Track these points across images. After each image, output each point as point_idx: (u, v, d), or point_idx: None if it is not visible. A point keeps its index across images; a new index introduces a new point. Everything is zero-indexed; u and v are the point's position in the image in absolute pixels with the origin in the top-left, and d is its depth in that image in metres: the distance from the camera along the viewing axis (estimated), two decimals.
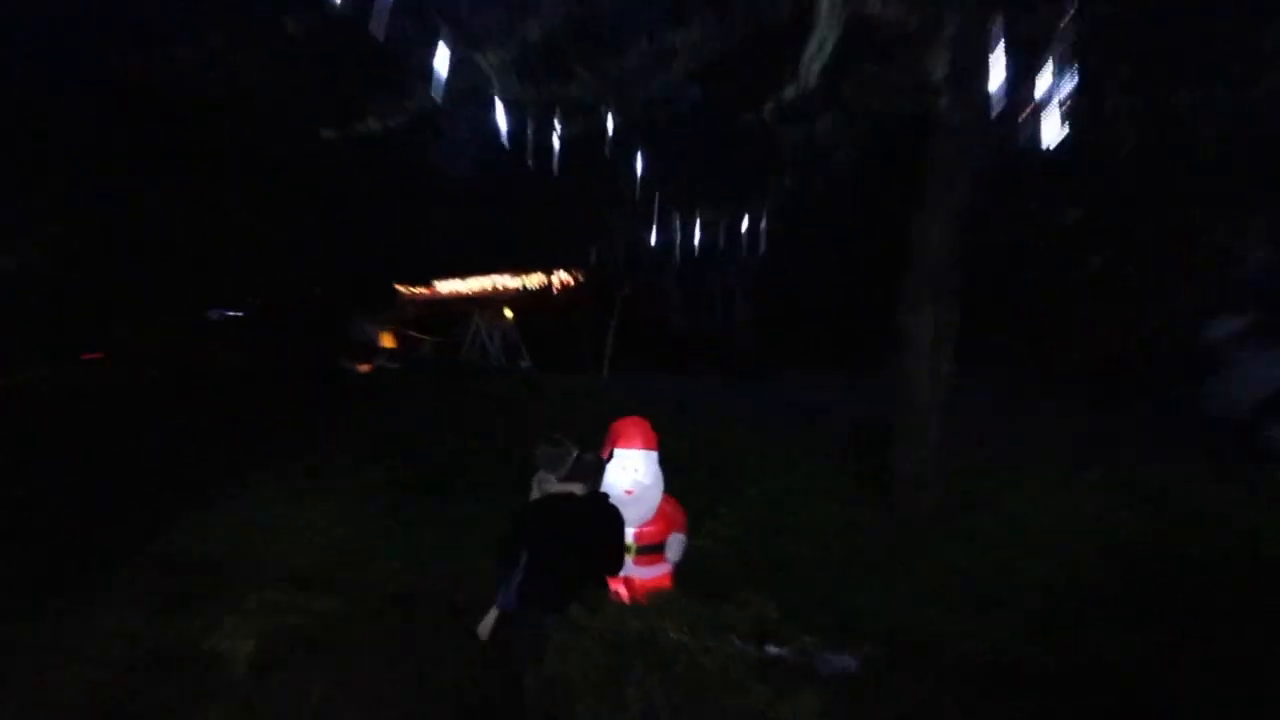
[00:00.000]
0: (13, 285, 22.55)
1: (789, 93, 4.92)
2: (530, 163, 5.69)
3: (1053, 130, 5.37)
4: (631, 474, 5.73)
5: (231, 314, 26.90)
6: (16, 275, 23.07)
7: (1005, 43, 4.87)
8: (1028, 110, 5.32)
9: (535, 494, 5.55)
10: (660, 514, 5.84)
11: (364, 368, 23.09)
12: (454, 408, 13.33)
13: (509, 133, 5.48)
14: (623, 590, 5.57)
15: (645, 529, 5.77)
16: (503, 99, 5.36)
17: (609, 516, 5.30)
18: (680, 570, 5.91)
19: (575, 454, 5.46)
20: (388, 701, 5.90)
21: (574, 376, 14.67)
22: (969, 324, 7.75)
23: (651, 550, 5.82)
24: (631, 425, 5.94)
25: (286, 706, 5.78)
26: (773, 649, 4.99)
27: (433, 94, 5.29)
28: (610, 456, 5.81)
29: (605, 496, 5.42)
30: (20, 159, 21.39)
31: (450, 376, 17.65)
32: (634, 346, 20.16)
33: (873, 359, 9.33)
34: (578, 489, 5.35)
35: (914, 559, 6.99)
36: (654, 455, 5.87)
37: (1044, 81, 5.29)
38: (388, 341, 27.50)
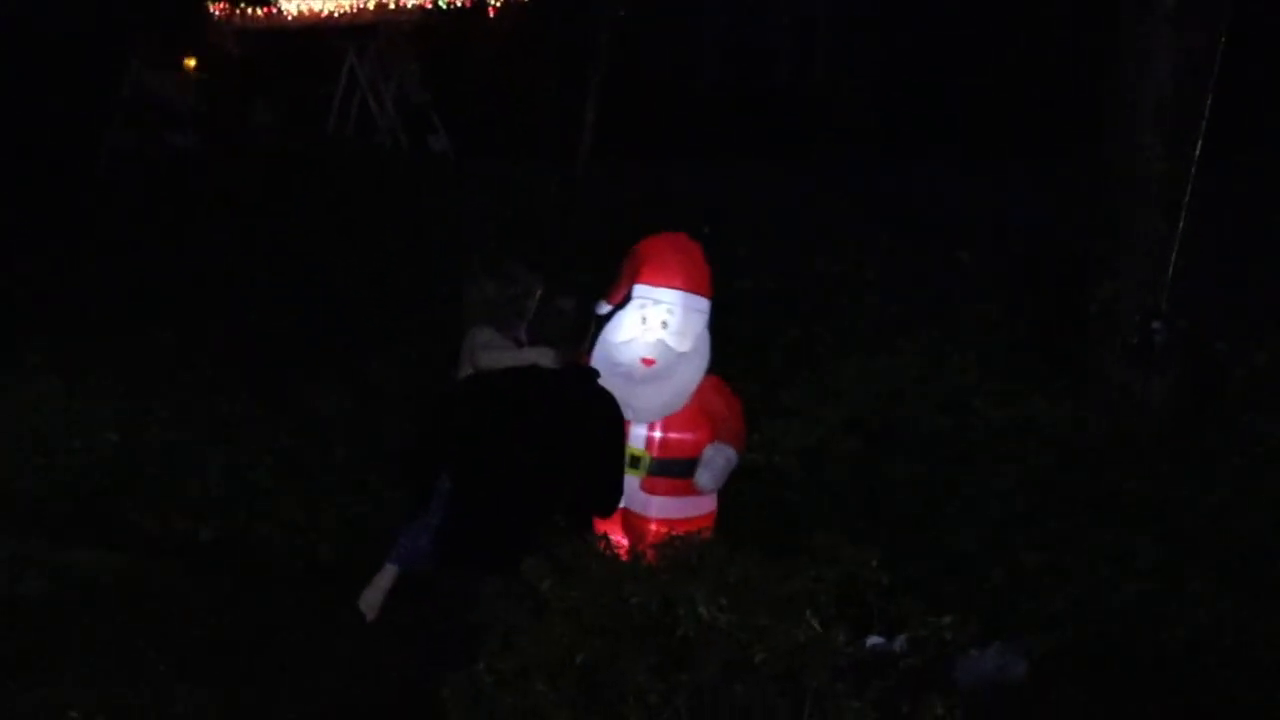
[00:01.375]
0: None
1: None
2: None
3: None
4: (657, 330, 5.71)
5: None
6: None
7: None
8: None
9: (467, 369, 5.60)
10: (698, 407, 5.84)
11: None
12: (311, 217, 13.28)
13: None
14: (622, 538, 5.60)
15: (672, 432, 5.82)
16: None
17: (600, 408, 5.35)
18: (722, 506, 5.96)
19: (539, 297, 5.49)
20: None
21: (529, 165, 14.58)
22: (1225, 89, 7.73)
23: (678, 469, 5.85)
24: (667, 250, 5.89)
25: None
26: (877, 639, 5.09)
27: None
28: (626, 300, 5.77)
29: (593, 375, 5.45)
30: None
31: (304, 162, 17.56)
32: (634, 119, 20.03)
33: (1055, 147, 9.27)
34: (545, 358, 5.37)
35: (1129, 495, 7.05)
36: (704, 306, 5.84)
37: None
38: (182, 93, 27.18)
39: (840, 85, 26.51)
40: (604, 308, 5.81)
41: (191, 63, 29.00)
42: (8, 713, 6.06)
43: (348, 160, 17.20)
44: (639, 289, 5.74)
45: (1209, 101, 7.57)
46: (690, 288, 5.76)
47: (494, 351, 5.55)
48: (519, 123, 20.33)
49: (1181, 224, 7.52)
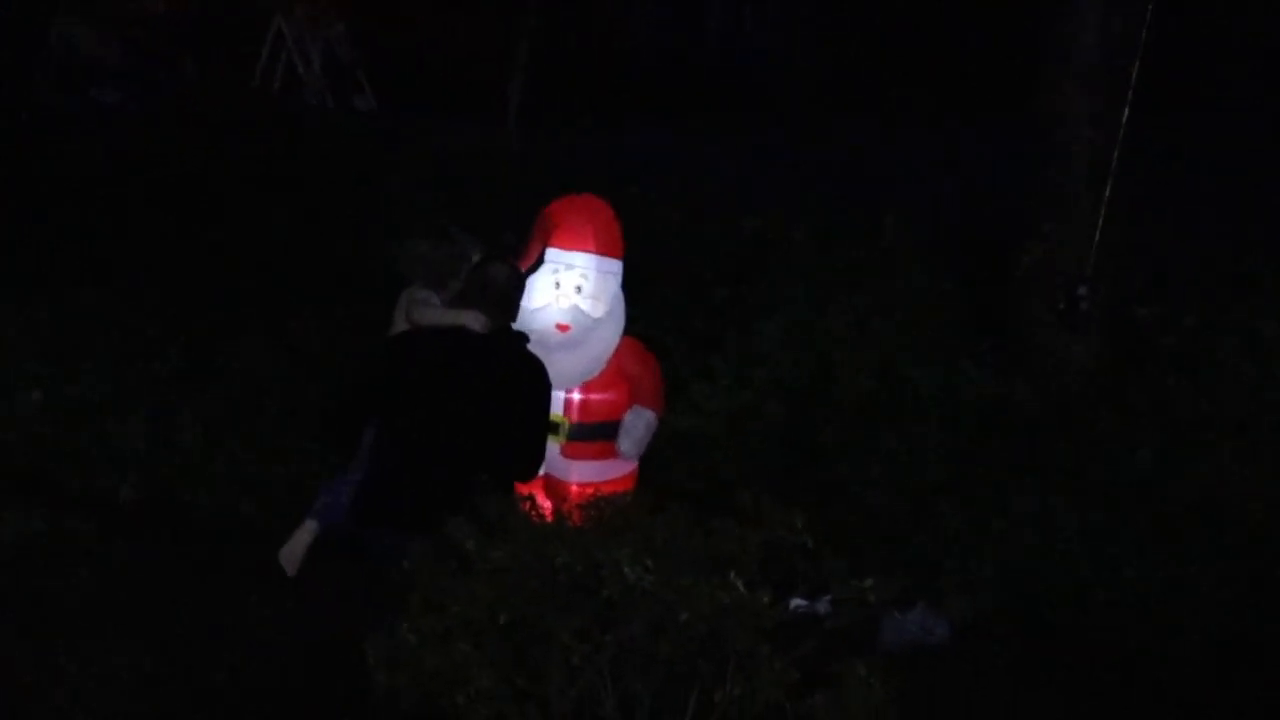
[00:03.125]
0: None
1: None
2: None
3: None
4: (571, 296, 5.70)
5: None
6: None
7: None
8: None
9: (399, 326, 5.61)
10: (616, 371, 5.85)
11: None
12: (240, 177, 13.24)
13: None
14: (545, 500, 5.61)
15: (592, 395, 5.82)
16: None
17: (527, 372, 5.36)
18: (646, 468, 5.96)
19: (474, 259, 5.50)
20: (118, 688, 6.04)
21: (460, 126, 14.55)
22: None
23: (598, 433, 5.87)
24: (578, 211, 5.89)
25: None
26: (802, 602, 5.13)
27: None
28: (538, 262, 5.77)
29: (522, 338, 5.46)
30: None
31: (231, 122, 17.45)
32: (569, 79, 19.95)
33: (984, 105, 9.35)
34: (475, 322, 5.37)
35: (1053, 457, 7.12)
36: (615, 267, 5.84)
37: None
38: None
39: (773, 48, 26.51)
40: (527, 268, 5.83)
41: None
42: None
43: (275, 120, 17.05)
44: (551, 253, 5.78)
45: (1136, 71, 7.61)
46: (603, 250, 5.78)
47: (427, 309, 5.56)
48: (448, 83, 20.23)
49: (1108, 191, 7.57)
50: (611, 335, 5.79)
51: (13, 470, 8.06)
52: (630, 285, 5.79)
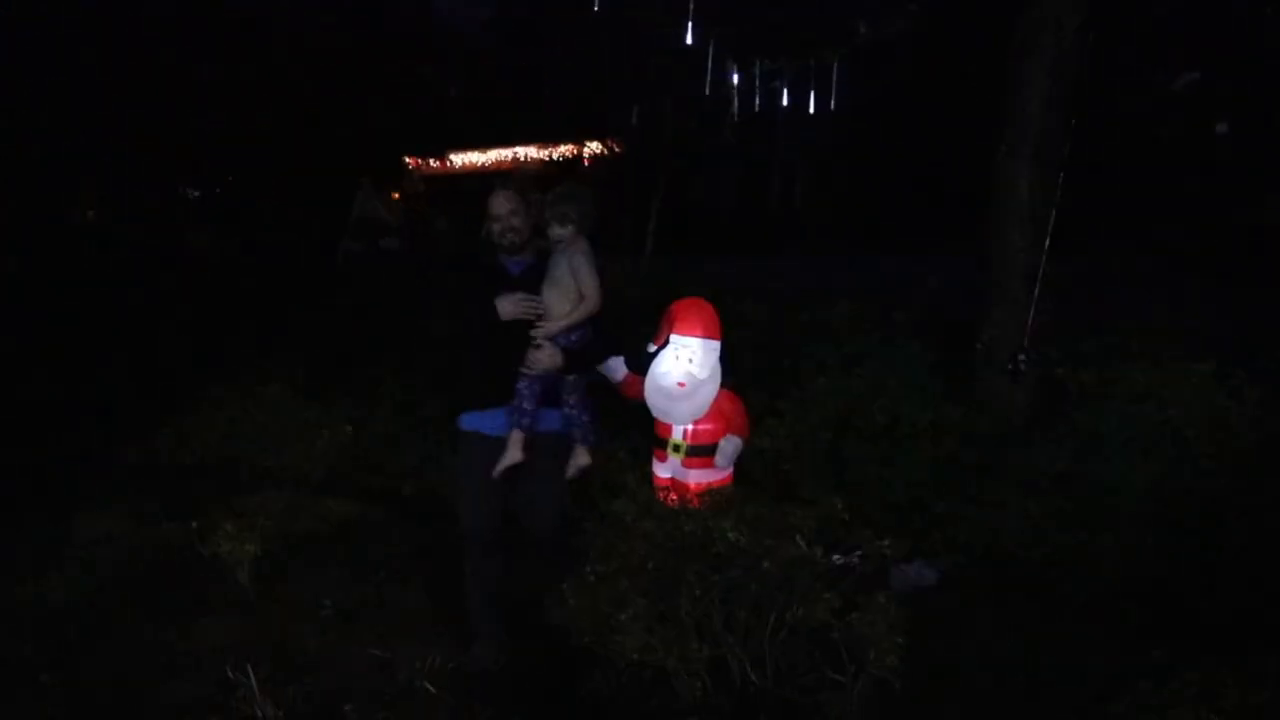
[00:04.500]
0: None
1: None
2: None
3: None
4: (685, 364, 5.72)
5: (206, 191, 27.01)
6: None
7: None
8: None
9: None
10: (716, 411, 5.82)
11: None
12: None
13: None
14: (674, 493, 5.64)
15: (700, 427, 5.78)
16: None
17: None
18: (737, 473, 5.98)
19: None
20: (407, 612, 6.11)
21: (612, 259, 14.74)
22: (1068, 200, 7.75)
23: (705, 451, 5.84)
24: (692, 308, 5.88)
25: (295, 618, 5.98)
26: (841, 557, 5.12)
27: None
28: (665, 343, 5.81)
29: None
30: None
31: (470, 254, 17.72)
32: (679, 228, 20.02)
33: (957, 239, 9.36)
34: None
35: (1006, 462, 7.06)
36: (715, 345, 5.81)
37: None
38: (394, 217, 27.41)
39: (815, 202, 26.54)
40: (651, 348, 5.87)
41: (395, 194, 29.25)
42: (285, 595, 6.13)
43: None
44: (674, 337, 5.76)
45: (1054, 215, 7.61)
46: (707, 335, 5.76)
47: None
48: (605, 230, 20.32)
49: (1036, 291, 7.55)
50: (712, 389, 5.76)
51: (335, 475, 8.30)
52: (729, 353, 5.81)
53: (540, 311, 5.18)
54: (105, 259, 21.35)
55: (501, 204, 5.24)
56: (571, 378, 5.26)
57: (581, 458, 5.34)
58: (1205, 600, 5.71)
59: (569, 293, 5.19)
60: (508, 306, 5.11)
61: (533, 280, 5.23)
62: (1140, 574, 6.11)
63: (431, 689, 5.19)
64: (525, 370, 5.12)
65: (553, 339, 5.16)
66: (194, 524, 6.56)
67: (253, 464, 8.66)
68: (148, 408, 10.03)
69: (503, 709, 4.89)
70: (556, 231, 5.24)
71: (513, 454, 5.14)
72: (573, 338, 5.22)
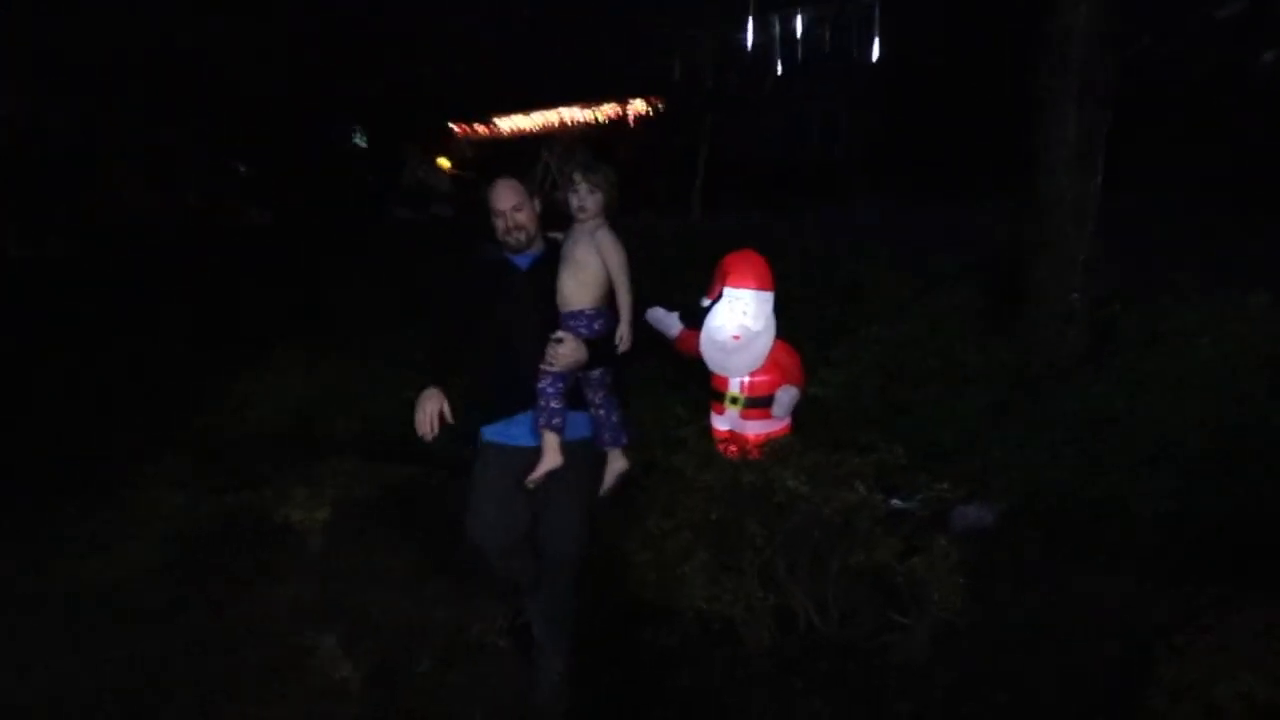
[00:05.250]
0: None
1: None
2: None
3: None
4: (740, 316, 5.69)
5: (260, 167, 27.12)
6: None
7: None
8: None
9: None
10: (772, 363, 5.80)
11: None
12: None
13: None
14: (734, 445, 5.63)
15: (756, 378, 5.77)
16: None
17: None
18: (794, 423, 5.97)
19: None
20: (475, 572, 6.15)
21: (659, 219, 14.69)
22: (1117, 135, 7.64)
23: (762, 403, 5.83)
24: (743, 261, 5.86)
25: (366, 579, 6.05)
26: (899, 501, 5.12)
27: None
28: (719, 296, 5.79)
29: None
30: None
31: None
32: (725, 188, 19.90)
33: (1003, 183, 9.25)
34: None
35: (1058, 404, 6.99)
36: (768, 297, 5.79)
37: None
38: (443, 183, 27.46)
39: (854, 153, 26.30)
40: (705, 301, 5.85)
41: (445, 161, 29.30)
42: (355, 559, 6.18)
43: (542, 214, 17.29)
44: (727, 290, 5.74)
45: (1102, 155, 7.52)
46: (760, 286, 5.73)
47: None
48: (651, 189, 20.23)
49: (1089, 226, 7.48)
50: (767, 341, 5.75)
51: (391, 439, 8.05)
52: (779, 306, 5.78)
53: (581, 358, 4.52)
54: (167, 235, 21.59)
55: (505, 197, 4.60)
56: (596, 373, 4.59)
57: (618, 462, 4.69)
58: (1265, 537, 5.65)
59: (594, 279, 4.55)
60: (565, 352, 4.46)
61: (545, 275, 4.59)
62: (1196, 513, 6.04)
63: (502, 645, 5.26)
64: (546, 368, 4.45)
65: (576, 331, 4.51)
66: (268, 493, 6.65)
67: (314, 432, 8.72)
68: (213, 379, 10.10)
69: (572, 663, 4.92)
70: (585, 199, 4.60)
71: (550, 458, 4.49)
72: (595, 326, 4.53)
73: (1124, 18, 7.72)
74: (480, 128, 30.04)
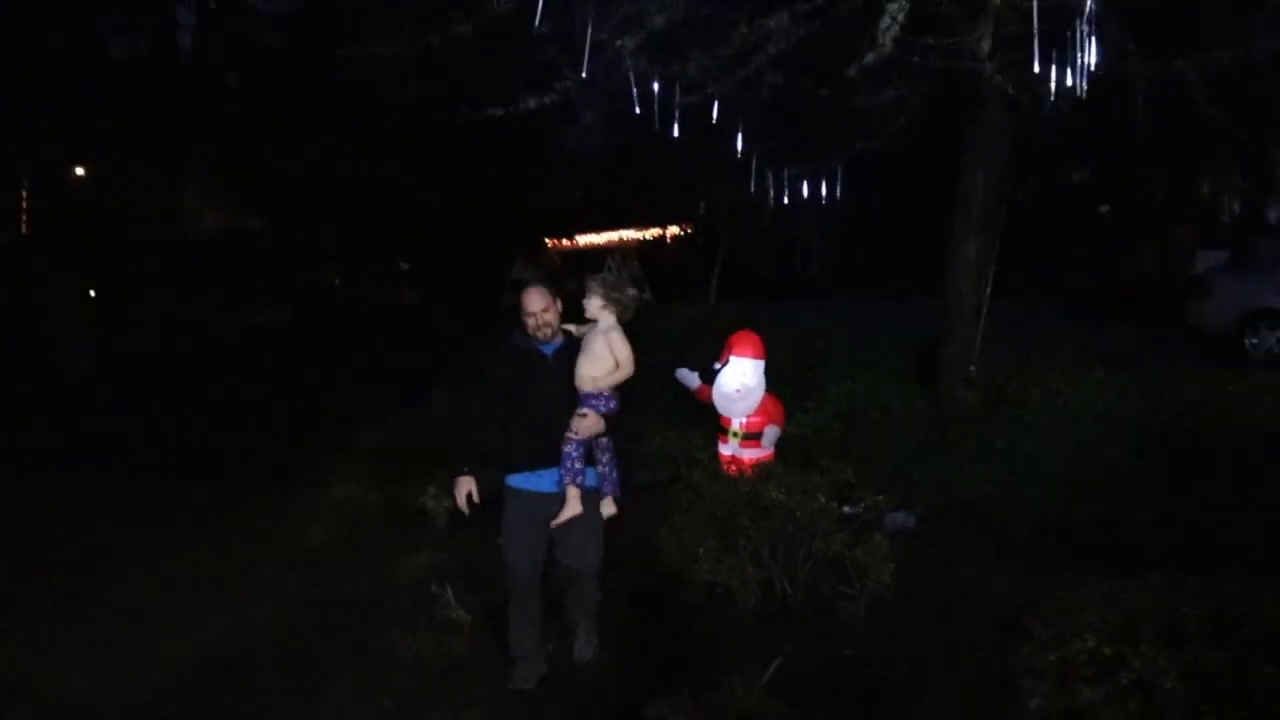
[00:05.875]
0: (252, 241, 23.63)
1: (868, 59, 4.82)
2: (657, 126, 5.66)
3: (1074, 91, 5.16)
4: (740, 377, 5.76)
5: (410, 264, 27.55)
6: (256, 233, 24.20)
7: (1038, 15, 4.66)
8: (1055, 78, 5.11)
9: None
10: (762, 409, 5.90)
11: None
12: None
13: (637, 96, 5.49)
14: (733, 466, 5.66)
15: (751, 420, 5.86)
16: (635, 73, 5.36)
17: None
18: (777, 451, 5.98)
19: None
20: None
21: (687, 305, 14.69)
22: (1002, 259, 7.62)
23: (755, 437, 5.90)
24: (745, 337, 5.93)
25: (478, 551, 6.02)
26: (849, 508, 5.09)
27: (580, 74, 5.32)
28: (727, 362, 5.84)
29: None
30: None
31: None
32: (733, 285, 19.89)
33: (926, 287, 9.25)
34: None
35: (962, 441, 7.00)
36: (761, 363, 5.85)
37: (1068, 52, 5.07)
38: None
39: (823, 263, 26.36)
40: (717, 365, 5.90)
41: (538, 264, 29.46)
42: (470, 536, 5.96)
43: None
44: (733, 358, 5.83)
45: (993, 268, 7.50)
46: (755, 356, 5.82)
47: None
48: (682, 286, 20.20)
49: (982, 321, 7.45)
50: (759, 393, 5.81)
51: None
52: (769, 368, 5.83)
53: (600, 429, 4.24)
54: (349, 309, 21.81)
55: (536, 301, 4.25)
56: (605, 440, 4.27)
57: (609, 508, 4.31)
58: (1106, 536, 5.60)
59: (604, 365, 4.20)
60: (588, 425, 4.19)
61: (565, 360, 4.26)
62: (1060, 520, 5.99)
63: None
64: (571, 435, 4.16)
65: (595, 409, 4.20)
66: (411, 489, 6.70)
67: (456, 447, 8.58)
68: (376, 407, 10.06)
69: (624, 611, 4.92)
70: (599, 312, 4.28)
71: (573, 506, 4.18)
72: (611, 405, 4.22)
73: (1012, 178, 7.76)
74: (565, 241, 30.28)
